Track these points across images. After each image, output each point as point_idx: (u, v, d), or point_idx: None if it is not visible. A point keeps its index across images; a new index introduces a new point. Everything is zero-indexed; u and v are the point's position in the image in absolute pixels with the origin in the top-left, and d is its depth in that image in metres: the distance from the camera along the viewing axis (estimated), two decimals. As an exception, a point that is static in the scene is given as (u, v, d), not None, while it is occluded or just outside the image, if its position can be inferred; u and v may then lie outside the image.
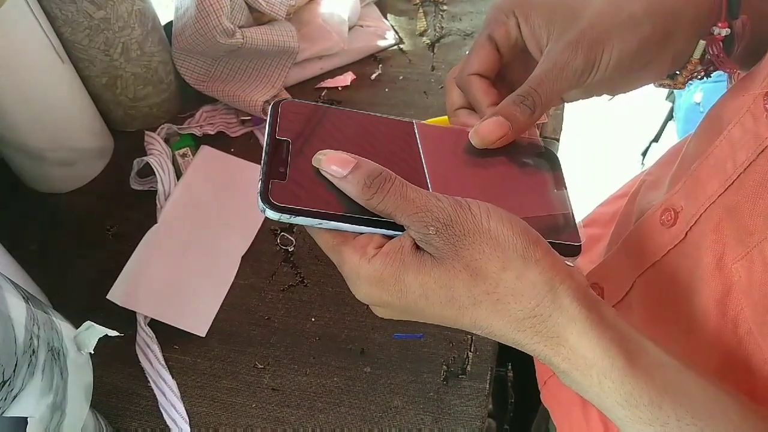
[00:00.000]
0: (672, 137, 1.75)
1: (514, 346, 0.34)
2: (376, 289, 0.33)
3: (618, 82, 0.41)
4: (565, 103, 0.45)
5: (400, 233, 0.34)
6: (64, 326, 0.43)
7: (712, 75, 0.43)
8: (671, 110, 1.72)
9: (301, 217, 0.33)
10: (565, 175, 0.40)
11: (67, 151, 0.65)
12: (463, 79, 0.42)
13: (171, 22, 0.70)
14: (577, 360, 0.31)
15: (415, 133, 0.39)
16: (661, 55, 0.40)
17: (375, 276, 0.32)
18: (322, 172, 0.33)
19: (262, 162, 0.34)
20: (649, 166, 0.58)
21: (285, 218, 0.32)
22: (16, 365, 0.34)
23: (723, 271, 0.37)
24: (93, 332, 0.43)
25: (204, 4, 0.65)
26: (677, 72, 0.43)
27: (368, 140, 0.37)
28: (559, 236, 0.36)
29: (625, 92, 0.43)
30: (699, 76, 0.43)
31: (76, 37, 0.61)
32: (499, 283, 0.31)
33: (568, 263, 0.34)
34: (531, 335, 0.32)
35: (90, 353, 0.44)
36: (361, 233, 0.34)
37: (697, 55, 0.41)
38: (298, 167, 0.34)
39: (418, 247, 0.33)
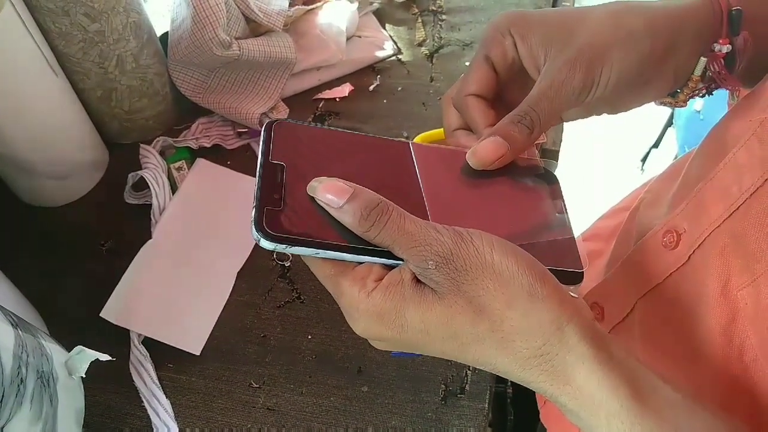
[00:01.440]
0: (672, 144, 1.74)
1: (519, 383, 0.33)
2: (376, 324, 0.32)
3: (618, 100, 0.40)
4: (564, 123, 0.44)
5: (401, 263, 0.32)
6: (54, 350, 0.42)
7: (714, 93, 0.43)
8: (671, 116, 1.72)
9: (297, 247, 0.31)
10: (565, 198, 0.39)
11: (60, 165, 0.64)
12: (460, 99, 0.41)
13: (167, 32, 0.69)
14: (585, 400, 0.30)
15: (411, 154, 0.38)
16: (661, 73, 0.39)
17: (374, 311, 0.31)
18: (318, 201, 0.32)
19: (256, 187, 0.33)
20: (648, 173, 0.58)
21: (281, 248, 0.31)
22: (2, 395, 0.33)
23: (728, 297, 0.36)
24: (84, 357, 0.42)
25: (200, 15, 0.64)
26: (678, 90, 0.42)
27: (365, 162, 0.36)
28: (562, 263, 0.35)
29: (625, 110, 0.42)
30: (700, 94, 0.43)
31: (70, 50, 0.60)
32: (504, 320, 0.30)
33: (572, 294, 0.33)
34: (537, 374, 0.31)
35: (81, 377, 0.43)
36: (361, 262, 0.33)
37: (698, 72, 0.40)
38: (294, 193, 0.33)
39: (418, 280, 0.32)
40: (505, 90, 0.43)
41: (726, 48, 0.39)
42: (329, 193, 0.32)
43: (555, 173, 0.40)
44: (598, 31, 0.38)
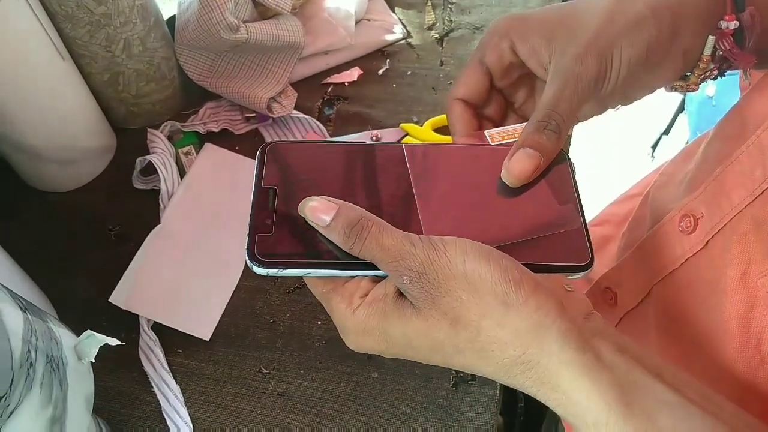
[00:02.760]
0: (683, 130, 1.73)
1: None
2: (363, 339, 0.32)
3: (631, 88, 0.39)
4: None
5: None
6: (64, 334, 0.42)
7: (725, 74, 0.42)
8: (682, 102, 1.70)
9: (290, 269, 0.32)
10: (576, 181, 0.37)
11: (68, 150, 0.64)
12: (449, 102, 0.40)
13: (174, 16, 0.69)
14: (573, 407, 0.29)
15: (404, 157, 0.37)
16: (670, 55, 0.38)
17: (360, 327, 0.32)
18: (308, 222, 0.33)
19: (249, 214, 0.34)
20: (659, 160, 0.57)
21: (273, 272, 0.32)
22: (12, 380, 0.33)
23: (748, 285, 0.35)
24: (93, 341, 0.42)
25: (207, -2, 0.63)
26: (689, 73, 0.41)
27: (358, 173, 0.36)
28: (568, 256, 0.34)
29: (639, 99, 0.41)
30: (712, 76, 0.41)
31: (76, 33, 0.60)
32: (480, 331, 0.30)
33: (567, 288, 0.32)
34: (522, 380, 0.30)
35: (91, 362, 0.43)
36: (354, 276, 0.33)
37: (707, 51, 0.39)
38: (285, 216, 0.34)
39: (401, 294, 0.32)
40: (511, 95, 0.43)
41: (733, 24, 0.38)
42: (318, 212, 0.32)
43: (566, 153, 0.38)
44: (603, 21, 0.37)
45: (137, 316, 0.57)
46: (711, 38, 0.38)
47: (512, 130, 0.40)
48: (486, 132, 0.40)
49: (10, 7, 0.52)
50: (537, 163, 0.35)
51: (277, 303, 0.59)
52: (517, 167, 0.36)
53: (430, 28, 0.79)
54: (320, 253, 0.32)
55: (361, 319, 0.31)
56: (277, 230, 0.33)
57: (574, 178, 0.37)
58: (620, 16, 0.37)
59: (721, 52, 0.38)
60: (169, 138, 0.69)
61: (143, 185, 0.66)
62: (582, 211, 0.36)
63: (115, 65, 0.64)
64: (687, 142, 1.62)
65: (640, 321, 0.46)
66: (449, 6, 0.81)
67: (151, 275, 0.59)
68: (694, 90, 0.41)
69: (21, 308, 0.37)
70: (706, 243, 0.38)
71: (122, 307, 0.57)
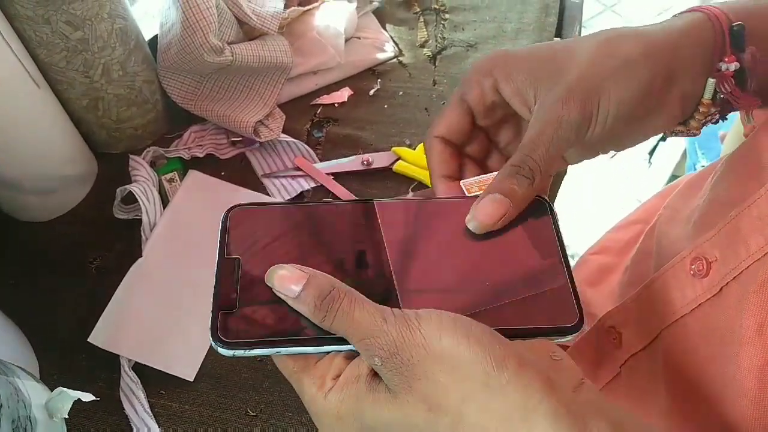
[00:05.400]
0: (680, 138, 1.71)
1: None
2: (337, 426, 0.29)
3: (623, 133, 0.37)
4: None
5: None
6: (33, 390, 0.39)
7: (728, 117, 0.39)
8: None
9: (257, 349, 0.29)
10: (559, 231, 0.34)
11: (47, 179, 0.61)
12: (428, 140, 0.38)
13: (156, 36, 0.66)
14: None
15: (376, 215, 0.35)
16: (666, 101, 0.36)
17: (332, 413, 0.29)
18: (275, 292, 0.30)
19: (213, 288, 0.31)
20: (656, 165, 0.54)
21: (240, 353, 0.29)
22: (-30, 455, 0.31)
23: (765, 337, 0.33)
24: (65, 397, 0.39)
25: (190, 20, 0.60)
26: (690, 117, 0.38)
27: (328, 236, 0.34)
28: (554, 318, 0.31)
29: (633, 145, 0.38)
30: (714, 120, 0.39)
31: (52, 59, 0.57)
32: (463, 417, 0.27)
33: (554, 357, 0.29)
34: None
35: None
36: (328, 352, 0.30)
37: (708, 95, 0.36)
38: (250, 289, 0.31)
39: (376, 374, 0.29)
40: (495, 135, 0.40)
41: (734, 66, 0.36)
42: (286, 281, 0.29)
43: (546, 200, 0.35)
44: (591, 63, 0.35)
45: (118, 355, 0.55)
46: (711, 81, 0.36)
47: (489, 179, 0.37)
48: (462, 182, 0.38)
49: (-21, 36, 0.49)
50: (505, 209, 0.33)
51: (265, 339, 0.56)
52: (481, 214, 0.33)
53: (422, 46, 0.76)
54: (289, 330, 0.30)
55: (333, 405, 0.29)
56: (242, 305, 0.30)
57: (556, 228, 0.34)
58: (608, 59, 0.34)
59: (722, 96, 0.36)
60: (152, 164, 0.66)
61: (125, 215, 0.64)
62: (567, 264, 0.33)
63: (94, 91, 0.61)
64: (684, 150, 1.60)
65: (646, 365, 0.44)
66: (442, 22, 0.78)
67: (132, 313, 0.56)
68: (696, 134, 0.38)
69: (-17, 371, 0.34)
70: (720, 289, 0.36)
71: (101, 347, 0.54)
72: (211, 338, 0.30)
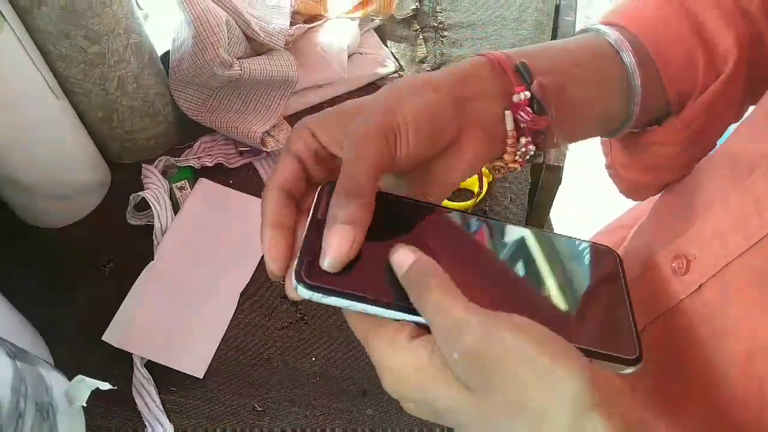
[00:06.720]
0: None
1: None
2: (399, 385, 0.30)
3: (440, 174, 0.38)
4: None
5: None
6: (55, 378, 0.42)
7: (548, 149, 0.41)
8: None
9: (333, 298, 0.31)
10: (626, 282, 0.37)
11: (62, 187, 0.64)
12: (264, 192, 0.37)
13: (168, 51, 0.69)
14: None
15: (461, 224, 0.37)
16: (466, 128, 0.37)
17: (397, 371, 0.30)
18: (392, 266, 0.32)
19: (302, 240, 0.33)
20: None
21: (317, 297, 0.31)
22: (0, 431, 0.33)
23: (748, 331, 0.35)
24: (85, 386, 0.41)
25: (201, 36, 0.64)
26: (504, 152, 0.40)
27: (421, 232, 0.35)
28: (618, 347, 0.33)
29: (456, 185, 0.39)
30: (530, 152, 0.40)
31: (70, 71, 0.60)
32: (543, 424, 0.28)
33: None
34: None
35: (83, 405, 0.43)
36: (397, 320, 0.32)
37: (509, 126, 0.38)
38: None
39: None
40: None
41: (524, 95, 0.37)
42: (403, 255, 0.32)
43: (615, 253, 0.38)
44: (386, 95, 0.36)
45: (131, 353, 0.57)
46: (508, 113, 0.38)
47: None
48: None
49: (2, 48, 0.52)
50: (352, 235, 0.32)
51: (272, 339, 0.59)
52: (331, 248, 0.32)
53: (422, 62, 0.80)
54: (369, 289, 0.31)
55: (403, 360, 0.30)
56: None
57: (623, 281, 0.37)
58: (400, 88, 0.36)
59: (524, 125, 0.38)
60: (164, 173, 0.69)
61: (137, 221, 0.66)
62: (631, 304, 0.36)
63: (110, 102, 0.64)
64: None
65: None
66: (441, 39, 0.82)
67: (145, 313, 0.59)
68: (515, 169, 0.40)
69: (10, 356, 0.37)
70: (700, 286, 0.38)
71: (115, 346, 0.57)
72: (294, 279, 0.31)
